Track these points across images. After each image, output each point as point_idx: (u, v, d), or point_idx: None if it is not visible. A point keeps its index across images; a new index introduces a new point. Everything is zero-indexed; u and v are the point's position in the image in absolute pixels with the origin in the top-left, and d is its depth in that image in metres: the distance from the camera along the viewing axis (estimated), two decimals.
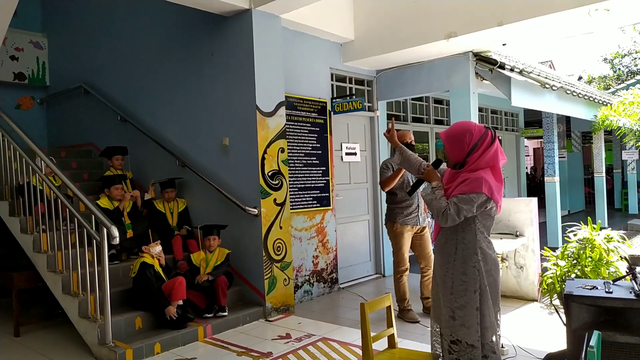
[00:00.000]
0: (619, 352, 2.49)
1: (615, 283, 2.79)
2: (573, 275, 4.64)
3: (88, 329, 4.03)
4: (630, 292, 2.58)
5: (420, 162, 2.78)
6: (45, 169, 4.61)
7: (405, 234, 4.60)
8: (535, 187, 16.50)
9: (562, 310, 3.28)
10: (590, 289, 2.69)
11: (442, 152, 2.69)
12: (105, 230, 3.88)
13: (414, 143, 4.59)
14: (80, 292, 4.20)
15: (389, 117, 7.17)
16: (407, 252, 4.66)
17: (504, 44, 5.73)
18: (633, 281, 2.68)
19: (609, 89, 14.91)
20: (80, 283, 4.20)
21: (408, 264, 4.68)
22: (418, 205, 4.62)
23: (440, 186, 2.51)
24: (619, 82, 18.03)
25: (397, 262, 4.67)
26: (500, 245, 4.89)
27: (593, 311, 2.62)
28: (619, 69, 20.83)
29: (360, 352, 3.78)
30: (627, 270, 2.84)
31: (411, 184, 4.14)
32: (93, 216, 3.99)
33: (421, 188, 2.82)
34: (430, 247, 4.52)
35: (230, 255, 4.86)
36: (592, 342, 1.88)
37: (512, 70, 5.98)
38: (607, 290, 2.64)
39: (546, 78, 6.71)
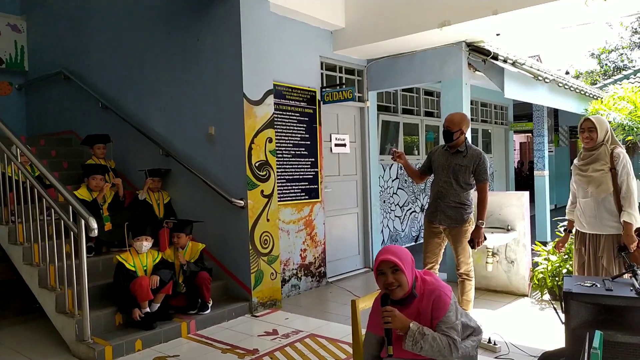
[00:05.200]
0: (619, 351, 2.40)
1: (614, 280, 2.71)
2: (564, 271, 4.59)
3: (65, 325, 3.86)
4: (631, 290, 2.49)
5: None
6: (21, 157, 4.40)
7: (426, 228, 4.08)
8: (521, 181, 16.55)
9: (558, 306, 3.20)
10: (590, 286, 2.60)
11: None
12: (82, 221, 3.70)
13: (453, 130, 3.84)
14: (57, 286, 4.01)
15: (379, 108, 7.03)
16: (427, 248, 4.03)
17: (497, 34, 5.61)
18: (633, 279, 2.60)
19: (596, 84, 14.93)
20: (57, 276, 4.02)
21: (429, 261, 4.00)
22: (437, 200, 3.96)
23: (418, 326, 2.05)
24: (606, 77, 18.12)
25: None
26: (492, 240, 4.82)
27: (592, 309, 2.53)
28: (606, 64, 20.93)
29: (349, 348, 3.67)
30: (626, 268, 2.76)
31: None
32: (70, 207, 3.81)
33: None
34: (459, 246, 3.91)
35: (204, 250, 4.64)
36: (595, 344, 1.78)
37: (505, 61, 5.87)
38: (607, 287, 2.55)
39: (538, 70, 6.63)
